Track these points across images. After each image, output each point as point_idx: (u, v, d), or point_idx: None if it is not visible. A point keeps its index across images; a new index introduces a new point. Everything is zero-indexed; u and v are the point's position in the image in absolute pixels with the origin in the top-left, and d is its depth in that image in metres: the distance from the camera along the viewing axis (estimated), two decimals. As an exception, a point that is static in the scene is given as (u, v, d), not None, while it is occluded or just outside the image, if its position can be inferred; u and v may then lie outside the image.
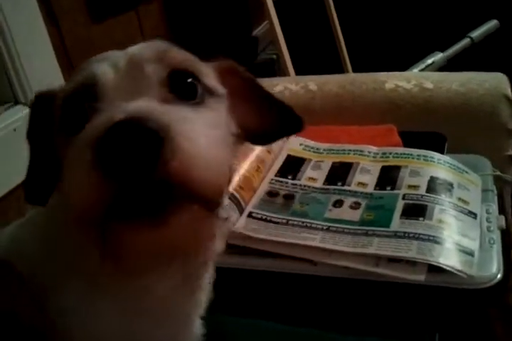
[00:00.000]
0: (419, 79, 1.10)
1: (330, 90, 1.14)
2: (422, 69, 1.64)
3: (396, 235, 0.67)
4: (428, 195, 0.73)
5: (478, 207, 0.75)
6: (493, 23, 1.80)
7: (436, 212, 0.70)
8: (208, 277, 0.50)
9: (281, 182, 0.81)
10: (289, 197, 0.78)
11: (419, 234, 0.66)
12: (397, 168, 0.81)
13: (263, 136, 0.52)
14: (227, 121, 0.46)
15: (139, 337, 0.46)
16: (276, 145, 0.89)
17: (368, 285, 0.64)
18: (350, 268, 0.64)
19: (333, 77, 1.22)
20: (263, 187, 0.80)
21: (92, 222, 0.35)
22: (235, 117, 0.48)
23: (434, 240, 0.65)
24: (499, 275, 0.63)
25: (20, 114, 0.97)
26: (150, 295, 0.45)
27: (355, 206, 0.74)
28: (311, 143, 0.92)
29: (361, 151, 0.87)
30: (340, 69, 1.90)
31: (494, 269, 0.63)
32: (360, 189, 0.77)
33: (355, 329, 0.63)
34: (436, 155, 0.83)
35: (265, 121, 0.51)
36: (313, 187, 0.79)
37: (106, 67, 0.41)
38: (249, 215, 0.74)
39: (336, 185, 0.79)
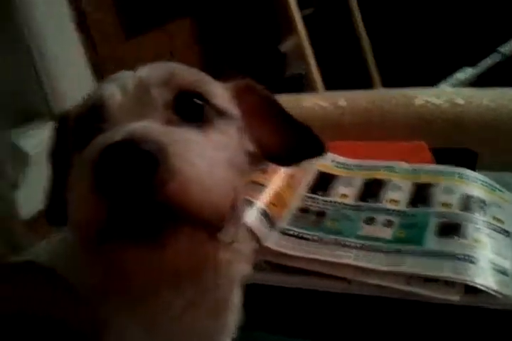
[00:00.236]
0: (450, 95, 1.10)
1: (359, 106, 1.15)
2: (452, 85, 1.63)
3: (429, 254, 0.66)
4: (462, 213, 0.73)
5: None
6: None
7: (471, 230, 0.69)
8: (235, 298, 0.50)
9: (313, 198, 0.82)
10: (321, 214, 0.78)
11: (454, 253, 0.65)
12: (429, 186, 0.81)
13: (284, 157, 0.51)
14: (240, 142, 0.46)
15: None
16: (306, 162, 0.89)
17: (401, 305, 0.64)
18: (383, 286, 0.64)
19: (363, 93, 1.22)
20: (295, 204, 0.81)
21: (91, 242, 0.35)
22: (253, 136, 0.48)
23: (470, 259, 0.64)
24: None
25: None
26: (165, 314, 0.45)
27: (388, 223, 0.73)
28: (342, 159, 0.92)
29: (392, 168, 0.87)
30: (369, 85, 1.90)
31: (529, 289, 0.62)
32: (392, 206, 0.77)
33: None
34: (469, 172, 0.82)
35: (284, 141, 0.50)
36: (345, 204, 0.79)
37: (114, 89, 0.42)
38: (282, 232, 0.74)
39: (368, 201, 0.79)
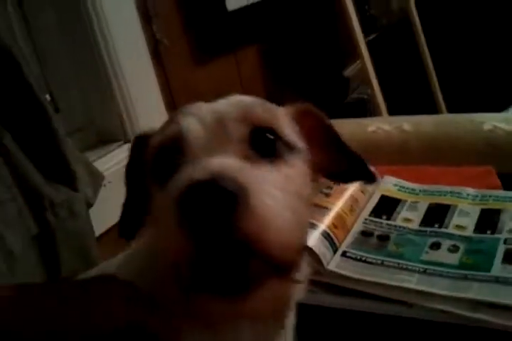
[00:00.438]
0: (519, 120, 1.07)
1: (425, 131, 1.14)
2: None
3: (498, 280, 0.64)
4: (532, 240, 0.71)
5: None
6: None
7: (541, 258, 0.67)
8: (289, 323, 0.51)
9: (376, 222, 0.82)
10: (384, 238, 0.77)
11: (524, 280, 0.63)
12: (498, 212, 0.79)
13: (338, 175, 0.53)
14: (307, 174, 0.47)
15: None
16: (370, 185, 0.90)
17: (464, 331, 0.62)
18: (447, 311, 0.63)
19: (428, 118, 1.21)
20: (357, 227, 0.81)
21: (176, 275, 0.37)
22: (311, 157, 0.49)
23: (540, 287, 0.62)
24: None
25: (130, 152, 1.05)
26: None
27: (454, 249, 0.72)
28: (406, 183, 0.92)
29: (459, 193, 0.86)
30: (434, 110, 1.87)
31: None
32: (459, 232, 0.76)
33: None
34: (539, 198, 0.80)
35: (340, 165, 0.52)
36: (409, 229, 0.79)
37: (194, 123, 0.43)
38: (343, 254, 0.74)
39: (433, 226, 0.78)
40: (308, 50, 1.93)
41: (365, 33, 1.80)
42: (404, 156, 1.10)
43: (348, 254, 0.74)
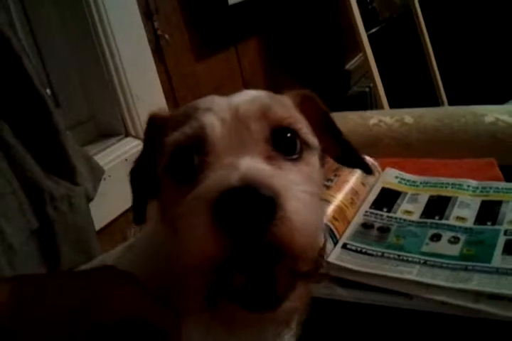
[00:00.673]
0: (522, 112, 1.07)
1: (427, 123, 1.14)
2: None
3: (498, 271, 0.64)
4: (532, 231, 0.71)
5: None
6: None
7: (542, 249, 0.67)
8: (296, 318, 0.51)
9: (376, 214, 0.82)
10: (384, 230, 0.77)
11: (524, 271, 0.63)
12: (498, 203, 0.79)
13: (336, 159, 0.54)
14: (320, 168, 0.48)
15: None
16: (370, 178, 0.90)
17: (464, 321, 0.62)
18: (447, 303, 0.63)
19: (430, 110, 1.21)
20: (357, 219, 0.81)
21: (203, 275, 0.38)
22: None
23: (540, 278, 0.62)
24: None
25: (130, 146, 1.05)
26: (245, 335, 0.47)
27: (454, 240, 0.72)
28: (407, 175, 0.91)
29: (460, 185, 0.85)
30: (436, 102, 1.87)
31: None
32: (459, 223, 0.76)
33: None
34: (541, 190, 0.80)
35: (332, 153, 0.53)
36: (410, 221, 0.79)
37: (213, 120, 0.43)
38: (344, 246, 0.74)
39: (434, 218, 0.78)
40: (310, 44, 1.92)
41: (367, 26, 1.79)
42: (405, 149, 1.10)
43: (348, 246, 0.74)
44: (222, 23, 1.43)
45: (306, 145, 0.46)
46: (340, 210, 0.80)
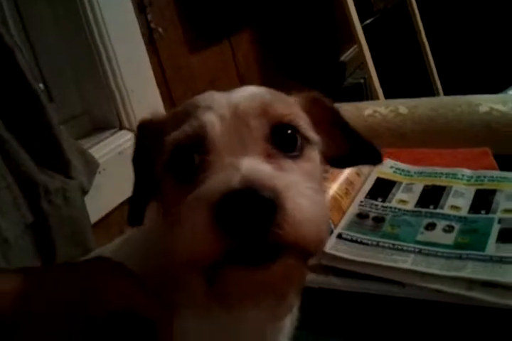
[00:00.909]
0: (516, 101, 1.07)
1: (421, 113, 1.14)
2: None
3: (492, 259, 0.65)
4: (526, 219, 0.71)
5: None
6: None
7: (535, 236, 0.67)
8: (294, 305, 0.51)
9: (371, 204, 0.82)
10: (379, 220, 0.78)
11: (517, 258, 0.64)
12: (493, 192, 0.79)
13: (339, 161, 0.54)
14: (321, 164, 0.48)
15: None
16: (365, 168, 0.90)
17: (458, 309, 0.63)
18: (441, 291, 0.63)
19: (424, 100, 1.21)
20: (352, 209, 0.81)
21: (199, 269, 0.38)
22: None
23: (533, 265, 0.62)
24: None
25: (125, 139, 1.05)
26: (243, 324, 0.48)
27: (449, 229, 0.73)
28: (402, 165, 0.92)
29: (454, 174, 0.86)
30: (431, 92, 1.87)
31: None
32: (454, 212, 0.76)
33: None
34: (534, 178, 0.80)
35: (343, 150, 0.53)
36: (405, 210, 0.79)
37: (213, 119, 0.43)
38: (339, 236, 0.75)
39: (428, 207, 0.78)
40: (304, 35, 1.92)
41: (362, 17, 1.79)
42: (400, 139, 1.10)
43: (343, 236, 0.75)
44: (216, 15, 1.42)
45: (306, 140, 0.45)
46: (334, 200, 0.81)
